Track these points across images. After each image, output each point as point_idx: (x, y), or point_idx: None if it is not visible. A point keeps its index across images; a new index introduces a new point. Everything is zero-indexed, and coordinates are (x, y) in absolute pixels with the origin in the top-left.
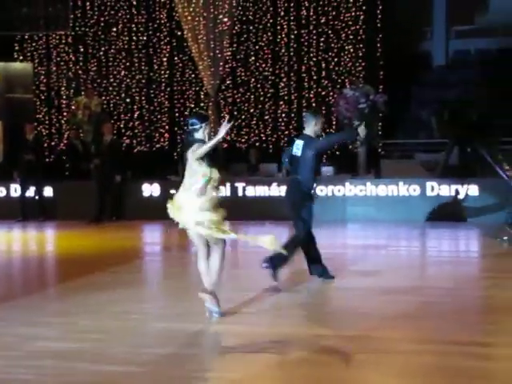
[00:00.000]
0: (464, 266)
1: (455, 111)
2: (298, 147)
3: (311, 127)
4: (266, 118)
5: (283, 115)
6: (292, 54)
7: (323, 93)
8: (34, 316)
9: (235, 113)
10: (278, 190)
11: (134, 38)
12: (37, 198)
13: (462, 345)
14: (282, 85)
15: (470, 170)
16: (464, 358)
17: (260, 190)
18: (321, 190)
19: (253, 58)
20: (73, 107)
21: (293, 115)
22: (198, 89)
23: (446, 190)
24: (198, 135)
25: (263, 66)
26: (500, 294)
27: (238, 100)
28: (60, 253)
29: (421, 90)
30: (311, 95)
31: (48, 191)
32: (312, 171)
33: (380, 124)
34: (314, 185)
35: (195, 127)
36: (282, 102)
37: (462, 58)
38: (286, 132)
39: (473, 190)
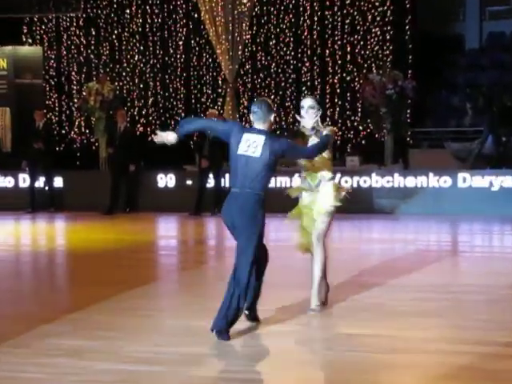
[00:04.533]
0: (498, 261)
1: (490, 97)
2: (252, 145)
3: (267, 123)
4: (288, 104)
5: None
6: (315, 36)
7: (348, 78)
8: (45, 312)
9: (255, 100)
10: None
11: (149, 20)
12: (47, 188)
13: (498, 346)
14: (305, 70)
15: (505, 160)
16: (500, 359)
17: (281, 182)
18: (345, 181)
19: (274, 41)
20: (84, 93)
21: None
22: (215, 74)
23: (479, 182)
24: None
25: (284, 49)
26: None
27: (258, 86)
28: (72, 247)
29: (452, 75)
30: (335, 81)
31: (58, 181)
32: (268, 182)
33: (408, 111)
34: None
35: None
36: (304, 88)
37: (497, 41)
38: None
39: (508, 181)
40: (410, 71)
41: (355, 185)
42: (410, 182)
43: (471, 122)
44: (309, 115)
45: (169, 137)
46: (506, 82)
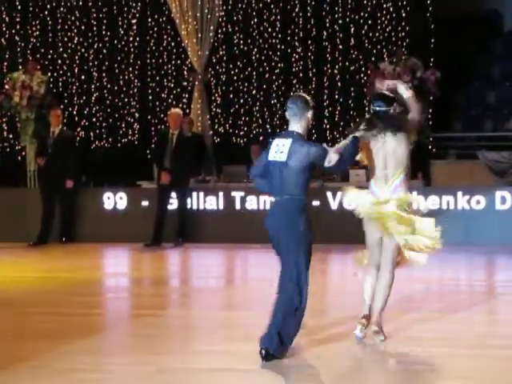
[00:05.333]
0: None
1: None
2: (280, 149)
3: (303, 120)
4: (274, 102)
5: None
6: (309, 14)
7: (352, 68)
8: None
9: (231, 95)
10: None
11: None
12: None
13: None
14: (296, 57)
15: None
16: None
17: (263, 201)
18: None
19: (255, 19)
20: (6, 87)
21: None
22: (179, 62)
23: None
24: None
25: (269, 30)
26: None
27: (235, 78)
28: None
29: (487, 64)
30: (335, 71)
31: None
32: (306, 186)
33: (430, 111)
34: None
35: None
36: (295, 81)
37: None
38: None
39: None
40: (432, 59)
41: None
42: (433, 202)
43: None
44: None
45: None
46: None
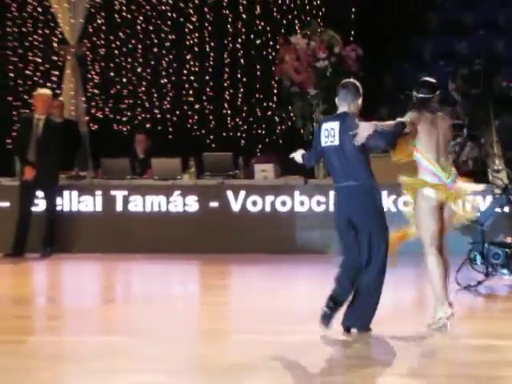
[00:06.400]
0: None
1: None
2: (330, 133)
3: (353, 106)
4: (164, 81)
5: (191, 77)
6: None
7: (258, 41)
8: None
9: (111, 73)
10: (181, 202)
11: None
12: None
13: None
14: (191, 27)
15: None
16: None
17: (150, 202)
18: (253, 203)
19: None
20: None
21: (207, 77)
22: (48, 32)
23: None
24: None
25: None
26: None
27: (117, 52)
28: None
29: (420, 40)
30: (238, 45)
31: None
32: (369, 166)
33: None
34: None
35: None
36: (189, 56)
37: None
38: (201, 105)
39: None
40: (352, 33)
41: (268, 209)
42: None
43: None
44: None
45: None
46: (497, 50)
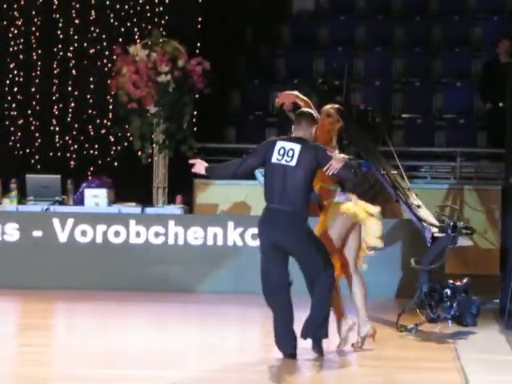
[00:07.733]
0: None
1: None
2: (287, 153)
3: (308, 131)
4: None
5: (15, 88)
6: None
7: (92, 50)
8: None
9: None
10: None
11: None
12: None
13: None
14: (15, 32)
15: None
16: None
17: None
18: (83, 232)
19: None
20: None
21: (34, 89)
22: None
23: None
24: None
25: None
26: None
27: None
28: None
29: (271, 54)
30: (69, 54)
31: None
32: (309, 198)
33: (195, 113)
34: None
35: None
36: (13, 65)
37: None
38: (26, 120)
39: None
40: (198, 44)
41: (100, 239)
42: (195, 235)
43: None
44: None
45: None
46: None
